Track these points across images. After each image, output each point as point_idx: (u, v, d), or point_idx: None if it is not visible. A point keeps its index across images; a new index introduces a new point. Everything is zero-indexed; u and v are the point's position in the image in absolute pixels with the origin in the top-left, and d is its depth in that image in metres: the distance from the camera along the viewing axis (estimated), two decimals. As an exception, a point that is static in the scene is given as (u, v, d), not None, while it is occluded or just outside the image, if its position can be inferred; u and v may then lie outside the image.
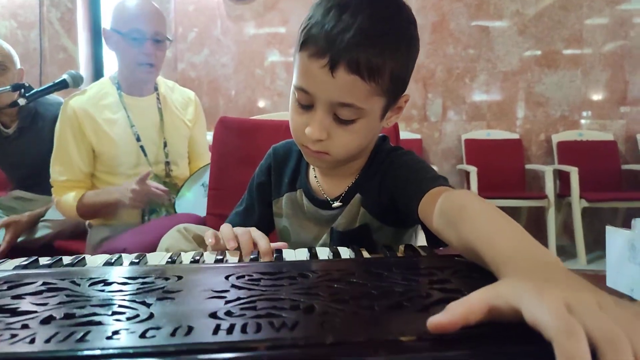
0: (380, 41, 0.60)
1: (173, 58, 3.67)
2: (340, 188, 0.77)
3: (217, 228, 1.22)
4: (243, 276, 0.42)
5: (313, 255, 0.56)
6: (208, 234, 0.66)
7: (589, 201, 3.02)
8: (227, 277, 0.42)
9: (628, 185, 3.41)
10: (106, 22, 1.52)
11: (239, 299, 0.36)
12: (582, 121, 3.56)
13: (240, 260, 0.59)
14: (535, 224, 3.52)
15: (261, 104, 3.72)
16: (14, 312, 0.33)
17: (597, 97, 3.55)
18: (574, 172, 3.05)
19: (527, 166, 3.47)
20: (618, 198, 3.15)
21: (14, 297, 0.37)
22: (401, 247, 0.60)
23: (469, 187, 3.21)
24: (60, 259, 0.53)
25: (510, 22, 3.55)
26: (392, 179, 0.71)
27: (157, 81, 1.60)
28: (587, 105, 3.56)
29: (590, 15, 3.50)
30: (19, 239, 1.76)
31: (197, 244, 0.82)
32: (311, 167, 0.81)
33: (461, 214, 0.48)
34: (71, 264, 0.51)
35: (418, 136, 3.58)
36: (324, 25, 0.60)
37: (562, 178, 3.31)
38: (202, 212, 1.35)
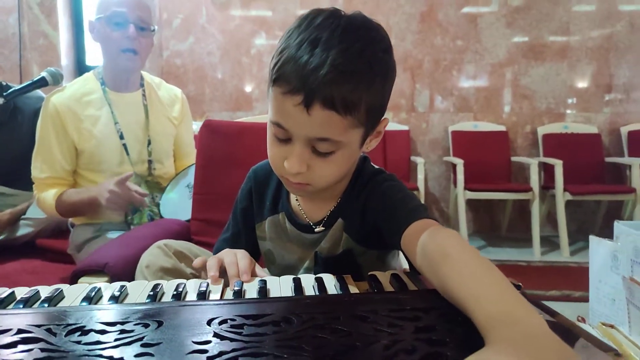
0: (354, 77, 0.58)
1: (158, 45, 3.60)
2: (322, 212, 0.76)
3: (201, 233, 1.22)
4: (226, 321, 0.42)
5: (297, 287, 0.55)
6: (198, 260, 0.66)
7: (572, 194, 3.06)
8: (209, 323, 0.41)
9: (611, 177, 3.46)
10: (91, 15, 1.47)
11: (221, 354, 0.35)
12: (568, 113, 3.59)
13: (224, 289, 0.58)
14: (519, 215, 3.57)
15: (248, 92, 3.67)
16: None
17: (582, 89, 3.57)
18: (558, 166, 3.08)
19: (513, 158, 3.50)
20: (601, 191, 3.20)
21: (-14, 352, 0.36)
22: (388, 276, 0.59)
23: (455, 179, 3.23)
24: (38, 291, 0.52)
25: (499, 13, 3.53)
26: (374, 208, 0.70)
27: (143, 77, 1.56)
28: (572, 98, 3.59)
29: (578, 6, 3.50)
30: (0, 237, 1.73)
31: (177, 259, 0.81)
32: None
33: (445, 262, 0.48)
34: (49, 299, 0.50)
35: (406, 127, 3.58)
36: (296, 61, 0.58)
37: (547, 170, 3.35)
38: (186, 213, 1.33)
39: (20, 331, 0.39)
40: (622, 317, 0.93)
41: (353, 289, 0.56)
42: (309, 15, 0.62)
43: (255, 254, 0.84)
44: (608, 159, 3.45)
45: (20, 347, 0.37)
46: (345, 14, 0.62)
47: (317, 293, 0.54)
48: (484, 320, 0.38)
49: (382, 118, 0.68)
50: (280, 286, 0.57)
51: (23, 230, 1.76)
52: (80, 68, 3.77)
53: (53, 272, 1.51)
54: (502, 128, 3.56)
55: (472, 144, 3.48)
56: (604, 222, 3.46)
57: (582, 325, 0.92)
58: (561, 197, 3.08)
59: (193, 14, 3.62)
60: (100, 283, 0.56)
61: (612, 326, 0.94)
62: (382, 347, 0.37)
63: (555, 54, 3.55)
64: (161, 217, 1.39)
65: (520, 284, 0.52)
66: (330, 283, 0.57)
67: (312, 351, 0.36)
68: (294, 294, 0.53)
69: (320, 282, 0.56)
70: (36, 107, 1.80)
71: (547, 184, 3.30)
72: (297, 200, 0.78)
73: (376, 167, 0.77)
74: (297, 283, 0.56)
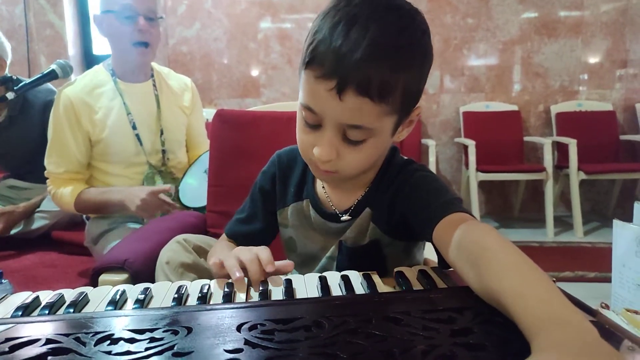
0: (393, 55, 0.56)
1: (164, 33, 3.56)
2: (349, 200, 0.74)
3: (218, 225, 1.21)
4: (256, 326, 0.41)
5: (324, 286, 0.54)
6: (214, 263, 0.64)
7: (587, 173, 3.01)
8: (238, 329, 0.40)
9: (626, 155, 3.40)
10: (95, 9, 1.45)
11: (254, 363, 0.35)
12: (581, 91, 3.52)
13: (248, 287, 0.57)
14: (532, 195, 3.54)
15: (255, 78, 3.64)
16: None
17: (597, 66, 3.49)
18: (572, 145, 3.03)
19: (526, 138, 3.45)
20: (615, 170, 3.15)
21: (17, 365, 0.36)
22: (415, 272, 0.58)
23: (467, 161, 3.20)
24: (62, 295, 0.51)
25: (510, -12, 3.45)
26: (405, 199, 0.68)
27: (152, 67, 1.55)
28: (586, 75, 3.51)
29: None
30: (16, 230, 1.74)
31: (197, 254, 0.80)
32: None
33: (484, 256, 0.46)
34: (74, 304, 0.49)
35: (416, 109, 3.53)
36: (331, 44, 0.55)
37: (561, 149, 3.30)
38: (205, 198, 1.32)
39: (49, 341, 0.39)
40: (647, 303, 0.91)
41: (380, 287, 0.54)
42: None
43: (270, 237, 0.83)
44: (623, 137, 3.39)
45: (51, 358, 0.36)
46: None
47: (344, 292, 0.53)
48: (531, 321, 0.37)
49: (416, 106, 0.65)
50: (306, 285, 0.56)
51: (38, 223, 1.77)
52: (88, 57, 3.76)
53: (71, 265, 1.53)
54: (515, 108, 3.50)
55: (484, 125, 3.43)
56: (618, 201, 3.42)
57: (605, 311, 0.90)
58: (575, 176, 3.04)
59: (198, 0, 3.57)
60: (124, 285, 0.56)
61: (636, 312, 0.93)
62: (420, 353, 0.36)
63: (568, 30, 3.46)
64: (181, 203, 1.39)
65: (554, 278, 0.50)
66: (357, 281, 0.56)
67: (348, 358, 0.35)
68: (320, 294, 0.52)
69: (346, 281, 0.55)
70: (46, 99, 1.80)
71: (561, 164, 3.26)
72: (323, 187, 0.76)
73: (406, 157, 0.75)
74: (324, 282, 0.55)
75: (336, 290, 0.54)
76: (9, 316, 0.48)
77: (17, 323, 0.43)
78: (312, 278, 0.58)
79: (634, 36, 3.43)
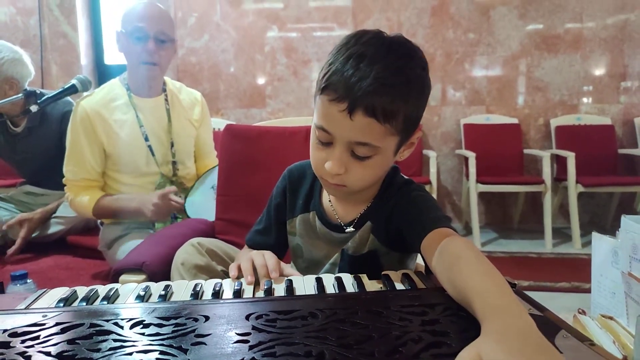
0: (393, 90, 0.66)
1: (173, 44, 3.67)
2: (353, 213, 0.83)
3: (225, 232, 1.30)
4: (261, 316, 0.49)
5: (320, 285, 0.62)
6: (232, 267, 0.74)
7: (585, 186, 3.08)
8: (247, 318, 0.49)
9: (624, 169, 3.47)
10: (114, 24, 1.55)
11: (260, 343, 0.43)
12: (581, 105, 3.60)
13: (255, 287, 0.66)
14: (531, 207, 3.61)
15: (262, 89, 3.74)
16: (75, 361, 0.40)
17: (596, 81, 3.57)
18: (570, 158, 3.11)
19: (526, 151, 3.52)
20: (613, 183, 3.22)
21: (69, 342, 0.44)
22: (400, 275, 0.67)
23: (467, 172, 3.27)
24: (96, 290, 0.60)
25: (511, 4, 3.54)
26: (401, 214, 0.77)
27: (165, 82, 1.64)
28: (585, 90, 3.59)
29: (591, -2, 3.50)
30: (34, 235, 1.83)
31: (209, 257, 0.89)
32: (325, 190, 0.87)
33: (457, 263, 0.55)
34: (107, 297, 0.58)
35: (418, 121, 3.61)
36: (343, 73, 0.66)
37: (560, 162, 3.37)
38: (211, 214, 1.41)
39: (92, 325, 0.48)
40: (621, 310, 0.99)
41: (368, 287, 0.63)
42: (356, 34, 0.71)
43: (284, 247, 0.93)
44: (621, 151, 3.46)
45: (96, 338, 0.45)
46: (388, 35, 0.71)
47: (337, 291, 0.61)
48: (482, 311, 0.46)
49: (417, 131, 0.75)
50: (305, 285, 0.65)
51: (54, 228, 1.86)
52: (99, 67, 3.88)
53: (85, 268, 1.61)
54: (515, 120, 3.59)
55: (484, 137, 3.51)
56: (616, 213, 3.48)
57: (581, 317, 0.98)
58: (573, 189, 3.11)
59: (207, 12, 3.69)
60: (147, 283, 0.64)
61: (611, 318, 1.00)
62: (394, 337, 0.44)
63: (568, 46, 3.55)
64: (187, 217, 1.47)
65: (516, 282, 0.59)
66: (349, 282, 0.65)
67: (335, 341, 0.43)
68: (316, 292, 0.61)
69: (339, 281, 0.63)
70: (63, 111, 1.90)
71: (560, 176, 3.33)
72: (330, 201, 0.85)
73: (406, 177, 0.85)
74: (320, 282, 0.63)
75: (330, 289, 0.63)
76: (54, 306, 0.56)
77: (63, 311, 0.52)
78: (310, 279, 0.67)
79: (632, 52, 3.51)
